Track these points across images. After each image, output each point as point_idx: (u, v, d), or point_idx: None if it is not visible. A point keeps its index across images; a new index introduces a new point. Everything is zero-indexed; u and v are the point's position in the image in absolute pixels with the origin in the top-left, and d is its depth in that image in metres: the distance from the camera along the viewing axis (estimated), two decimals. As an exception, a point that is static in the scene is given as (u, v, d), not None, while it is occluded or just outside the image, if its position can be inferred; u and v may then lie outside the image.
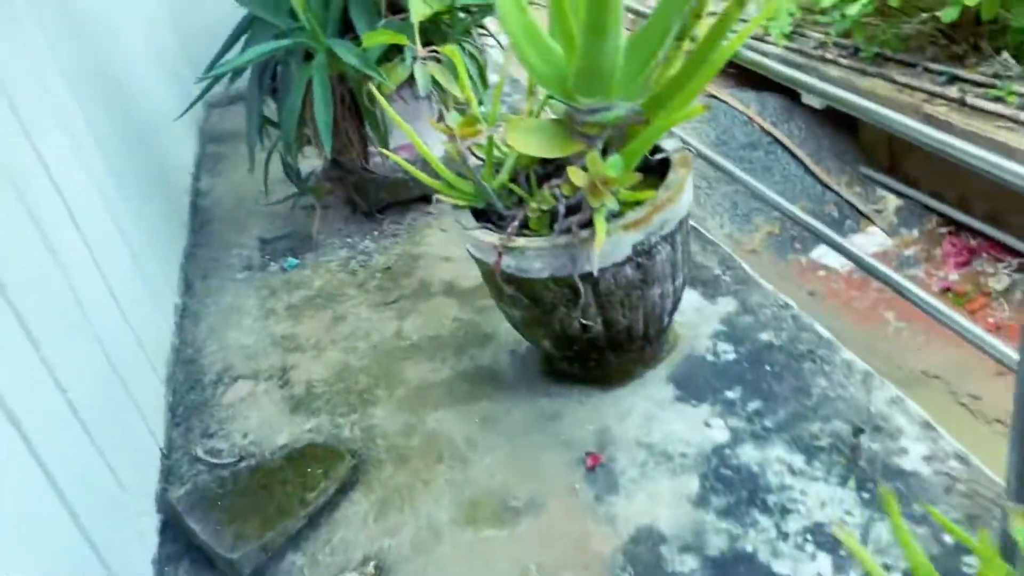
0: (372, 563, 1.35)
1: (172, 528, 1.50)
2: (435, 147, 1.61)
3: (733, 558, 1.21)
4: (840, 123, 5.82)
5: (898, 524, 0.74)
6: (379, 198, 2.37)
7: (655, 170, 1.49)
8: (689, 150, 1.50)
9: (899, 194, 7.56)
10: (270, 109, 2.30)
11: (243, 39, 2.24)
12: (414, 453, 1.56)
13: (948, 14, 6.60)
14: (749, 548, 1.22)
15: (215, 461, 1.64)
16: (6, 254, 1.21)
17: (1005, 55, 7.08)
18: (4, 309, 1.16)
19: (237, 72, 2.23)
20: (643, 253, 1.38)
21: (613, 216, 1.36)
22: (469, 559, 1.33)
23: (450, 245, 2.20)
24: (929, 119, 6.66)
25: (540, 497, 1.40)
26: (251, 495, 1.52)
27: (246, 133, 2.30)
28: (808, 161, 5.79)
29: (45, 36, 1.82)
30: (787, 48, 8.43)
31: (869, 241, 4.78)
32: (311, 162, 2.47)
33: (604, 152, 1.39)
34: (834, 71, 7.22)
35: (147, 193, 2.26)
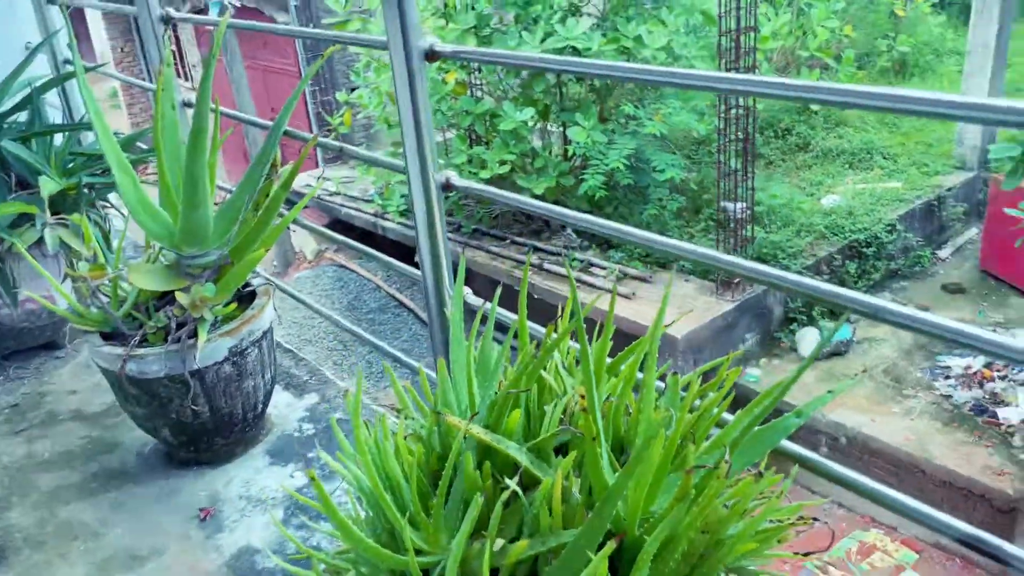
0: (14, 617, 1.65)
1: None
2: (58, 299, 2.04)
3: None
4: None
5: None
6: (4, 346, 2.62)
7: (247, 299, 2.09)
8: (271, 285, 2.13)
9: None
10: None
11: None
12: (50, 538, 1.87)
13: (515, 199, 8.35)
14: (314, 542, 1.78)
15: None
16: None
17: (568, 230, 9.11)
18: None
19: None
20: (237, 354, 1.94)
21: (213, 328, 1.92)
22: (103, 597, 1.69)
23: (75, 381, 2.52)
24: (517, 280, 8.20)
25: (162, 546, 1.82)
26: None
27: None
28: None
29: None
30: (401, 224, 9.73)
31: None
32: (-71, 318, 2.63)
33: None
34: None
35: None
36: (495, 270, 8.26)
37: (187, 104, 2.47)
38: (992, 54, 8.48)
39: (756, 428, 1.05)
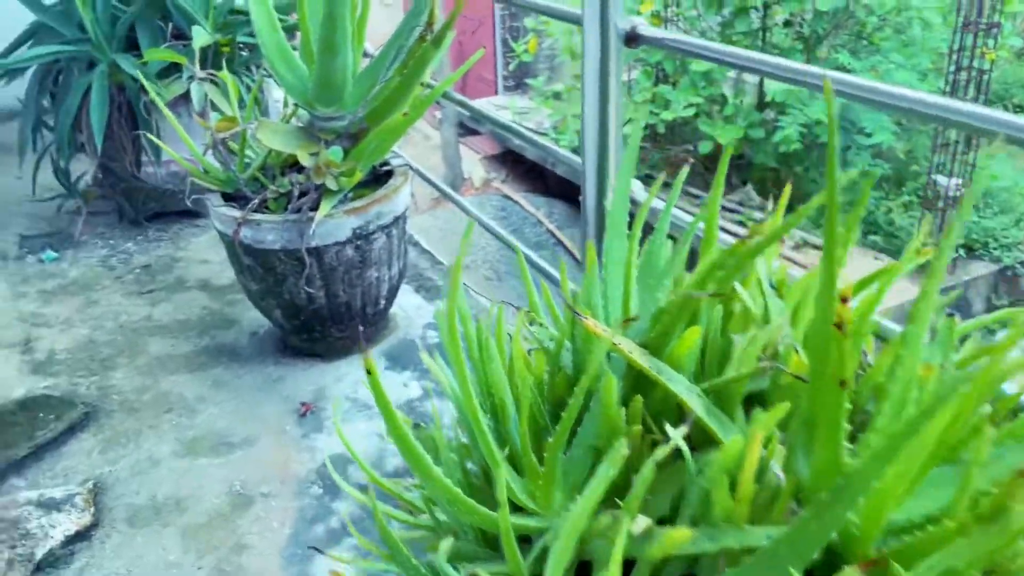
0: (90, 483, 1.50)
1: None
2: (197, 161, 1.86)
3: (405, 471, 1.50)
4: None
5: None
6: (147, 207, 2.54)
7: (383, 179, 1.83)
8: (410, 168, 1.86)
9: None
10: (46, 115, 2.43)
11: (28, 44, 2.38)
12: (145, 406, 1.73)
13: (704, 147, 7.78)
14: (418, 467, 1.52)
15: (-59, 408, 1.71)
16: None
17: (749, 187, 8.42)
18: None
19: (16, 72, 2.36)
20: (362, 237, 1.69)
21: (341, 203, 1.67)
22: (182, 480, 1.52)
23: (210, 251, 2.40)
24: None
25: (255, 435, 1.62)
26: (-23, 432, 1.62)
27: (19, 132, 2.41)
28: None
29: None
30: (574, 151, 9.33)
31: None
32: (83, 167, 2.59)
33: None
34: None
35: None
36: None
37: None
38: None
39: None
